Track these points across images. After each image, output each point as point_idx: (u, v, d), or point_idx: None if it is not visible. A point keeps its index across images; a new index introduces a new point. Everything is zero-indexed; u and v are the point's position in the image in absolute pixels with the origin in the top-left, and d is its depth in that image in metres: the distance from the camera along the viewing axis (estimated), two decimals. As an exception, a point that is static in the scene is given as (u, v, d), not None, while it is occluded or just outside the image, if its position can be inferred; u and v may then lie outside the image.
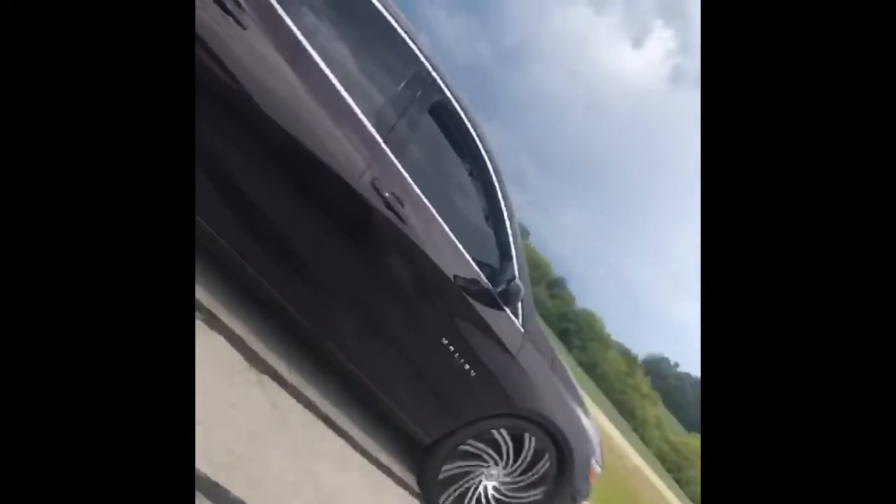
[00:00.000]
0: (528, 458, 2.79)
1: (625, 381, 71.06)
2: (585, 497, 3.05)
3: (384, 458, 2.72)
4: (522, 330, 2.73)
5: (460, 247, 2.57)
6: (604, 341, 74.98)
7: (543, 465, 2.80)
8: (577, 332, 72.04)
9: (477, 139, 2.66)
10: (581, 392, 3.24)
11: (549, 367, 2.87)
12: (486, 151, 2.70)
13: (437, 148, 2.74)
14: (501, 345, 2.62)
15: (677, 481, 57.84)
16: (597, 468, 3.05)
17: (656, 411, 72.79)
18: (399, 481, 2.71)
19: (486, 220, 2.79)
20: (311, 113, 2.12)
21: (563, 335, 67.95)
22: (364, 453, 2.58)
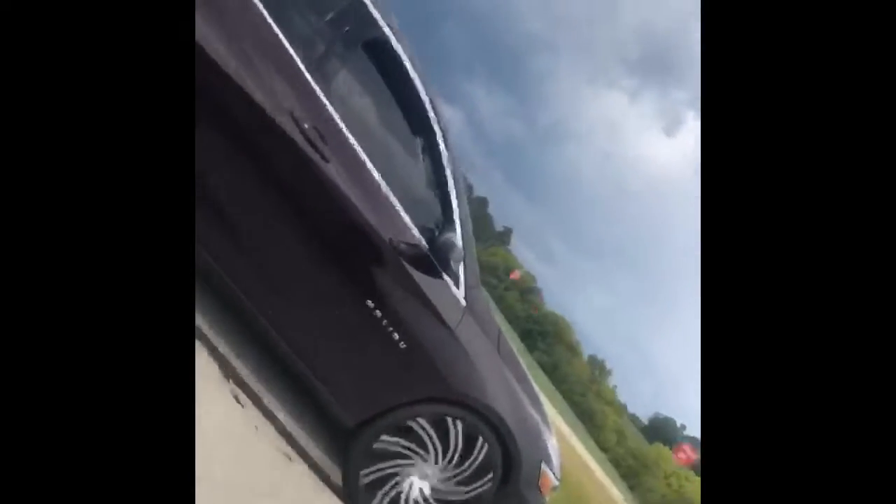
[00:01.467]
0: (464, 452, 2.34)
1: (587, 385, 71.50)
2: None
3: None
4: (464, 303, 2.42)
5: (395, 201, 2.31)
6: (571, 348, 75.41)
7: (480, 460, 2.34)
8: (543, 334, 71.60)
9: (418, 84, 2.39)
10: (536, 389, 2.80)
11: (495, 349, 2.53)
12: (429, 99, 2.43)
13: (377, 94, 2.49)
14: (437, 316, 2.30)
15: (631, 488, 57.87)
16: (551, 477, 2.58)
17: (617, 419, 73.33)
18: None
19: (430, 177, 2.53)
20: (231, 35, 1.95)
21: (527, 336, 67.44)
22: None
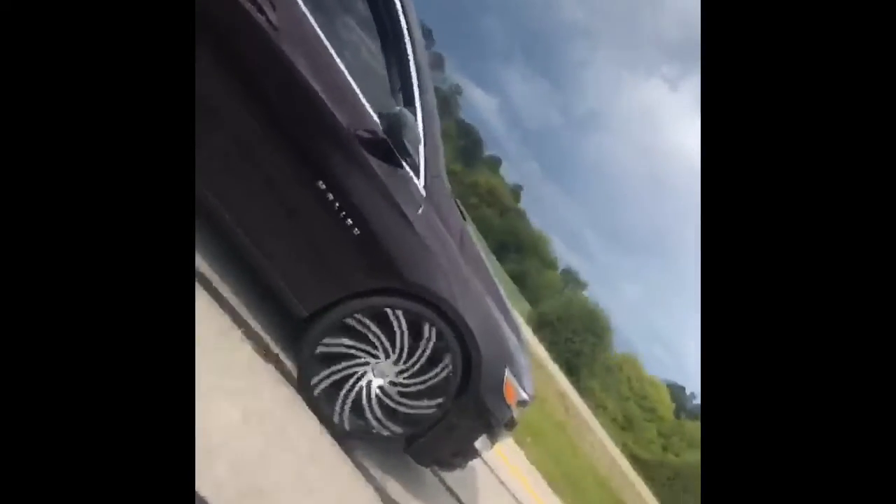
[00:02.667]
0: (412, 343, 2.28)
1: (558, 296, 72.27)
2: (504, 423, 2.50)
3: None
4: (423, 193, 2.32)
5: (350, 79, 2.18)
6: (544, 260, 75.79)
7: (432, 347, 2.27)
8: (518, 247, 70.96)
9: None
10: (504, 296, 2.72)
11: (457, 246, 2.42)
12: None
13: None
14: (394, 204, 2.20)
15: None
16: (518, 390, 2.49)
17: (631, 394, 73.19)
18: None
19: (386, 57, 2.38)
20: None
21: (501, 248, 66.81)
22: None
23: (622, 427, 51.85)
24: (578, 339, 48.01)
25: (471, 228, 2.91)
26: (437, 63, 57.41)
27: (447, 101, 57.52)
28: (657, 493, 32.04)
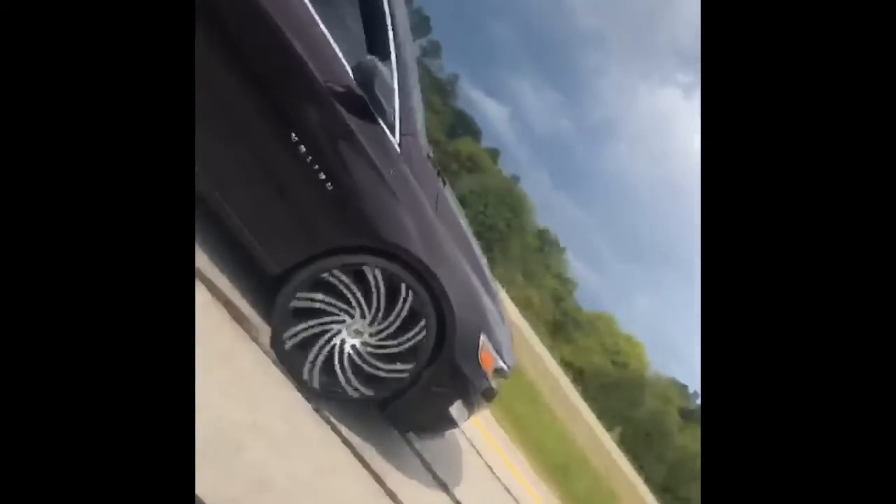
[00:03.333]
0: (388, 303, 2.23)
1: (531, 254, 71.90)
2: (482, 392, 2.45)
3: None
4: (398, 150, 2.28)
5: (325, 31, 2.14)
6: (519, 217, 75.12)
7: (407, 309, 2.23)
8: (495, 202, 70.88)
9: None
10: (484, 264, 2.69)
11: (432, 207, 2.37)
12: None
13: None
14: (368, 160, 2.16)
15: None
16: (495, 357, 2.45)
17: (560, 288, 74.24)
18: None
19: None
20: None
21: (464, 201, 67.11)
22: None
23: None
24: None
25: (451, 194, 2.86)
26: (435, 50, 56.60)
27: (444, 91, 56.37)
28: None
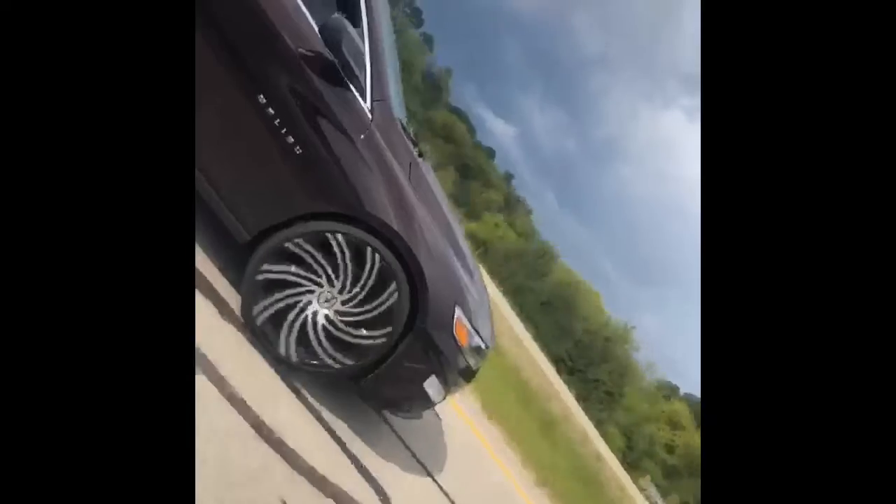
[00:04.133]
0: (359, 276, 2.18)
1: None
2: (459, 369, 2.39)
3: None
4: (370, 117, 2.23)
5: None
6: (489, 182, 73.97)
7: (376, 274, 2.18)
8: (466, 168, 69.87)
9: None
10: (460, 235, 2.66)
11: (405, 175, 2.32)
12: None
13: None
14: (337, 125, 2.12)
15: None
16: (471, 332, 2.39)
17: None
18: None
19: None
20: None
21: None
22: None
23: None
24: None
25: (428, 167, 2.82)
26: (427, 42, 54.98)
27: (437, 88, 54.58)
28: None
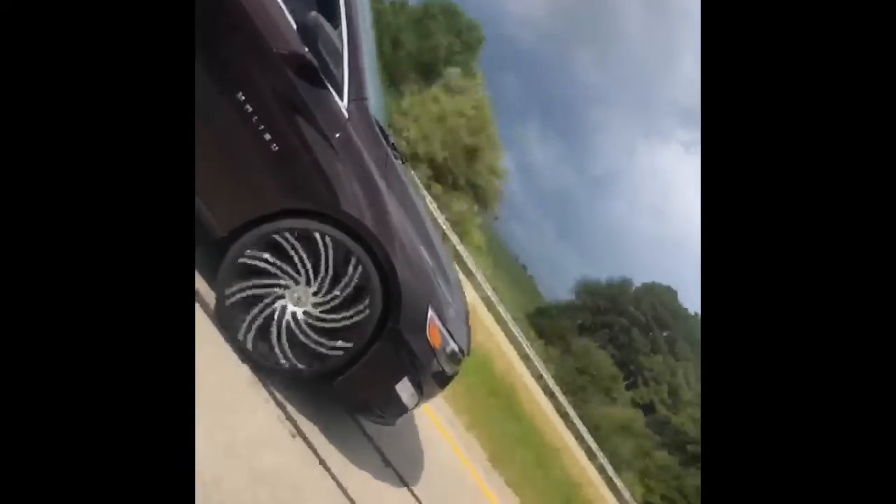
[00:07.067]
0: (335, 273, 2.17)
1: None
2: (433, 373, 2.36)
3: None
4: (346, 115, 2.24)
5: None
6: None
7: (354, 283, 2.17)
8: None
9: None
10: (435, 236, 2.62)
11: (379, 174, 2.30)
12: None
13: None
14: (313, 122, 2.14)
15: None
16: (445, 336, 2.36)
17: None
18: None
19: None
20: None
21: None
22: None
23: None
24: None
25: (404, 167, 2.82)
26: None
27: None
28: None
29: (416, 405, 2.48)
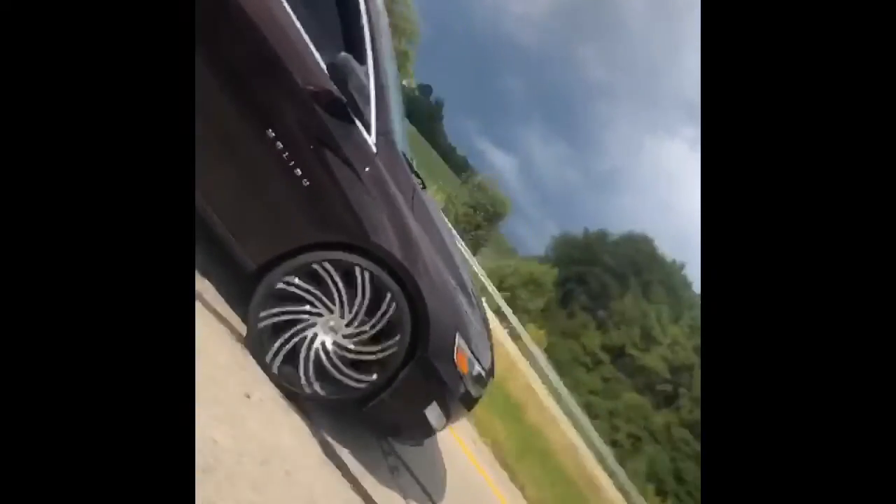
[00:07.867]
0: (370, 307, 2.21)
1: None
2: (459, 397, 2.40)
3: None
4: (374, 149, 2.31)
5: (301, 29, 2.22)
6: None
7: (388, 317, 2.22)
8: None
9: None
10: (462, 264, 2.68)
11: (407, 205, 2.37)
12: None
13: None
14: (343, 157, 2.19)
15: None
16: (472, 360, 2.41)
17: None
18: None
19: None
20: None
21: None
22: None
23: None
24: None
25: (429, 196, 2.87)
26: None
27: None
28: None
29: (444, 427, 2.50)
